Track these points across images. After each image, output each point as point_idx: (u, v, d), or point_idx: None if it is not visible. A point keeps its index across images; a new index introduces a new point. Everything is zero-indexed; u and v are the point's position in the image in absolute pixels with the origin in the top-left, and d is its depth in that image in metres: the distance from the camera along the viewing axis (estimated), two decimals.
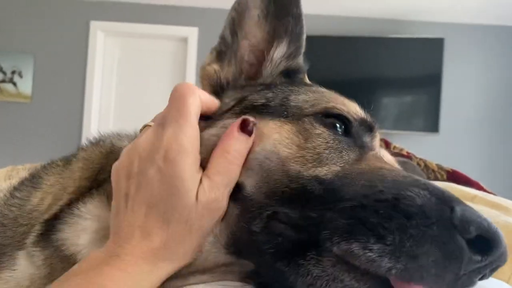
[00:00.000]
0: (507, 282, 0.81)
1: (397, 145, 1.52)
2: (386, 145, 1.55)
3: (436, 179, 1.34)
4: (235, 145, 0.63)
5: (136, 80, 5.99)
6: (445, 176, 1.33)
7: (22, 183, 0.89)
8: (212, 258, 0.62)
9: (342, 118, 0.72)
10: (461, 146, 5.75)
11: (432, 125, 5.55)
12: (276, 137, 0.66)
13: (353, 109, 0.75)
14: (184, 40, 5.81)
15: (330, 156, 0.64)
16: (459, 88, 5.69)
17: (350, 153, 0.67)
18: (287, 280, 0.55)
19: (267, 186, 0.61)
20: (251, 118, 0.65)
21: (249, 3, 0.82)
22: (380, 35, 5.72)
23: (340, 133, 0.70)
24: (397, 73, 5.66)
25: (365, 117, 0.75)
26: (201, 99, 0.69)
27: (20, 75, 5.85)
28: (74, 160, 0.88)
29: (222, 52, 0.83)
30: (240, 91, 0.80)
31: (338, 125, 0.71)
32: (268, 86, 0.80)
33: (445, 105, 5.50)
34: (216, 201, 0.60)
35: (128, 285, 0.55)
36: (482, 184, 1.31)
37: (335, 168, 0.62)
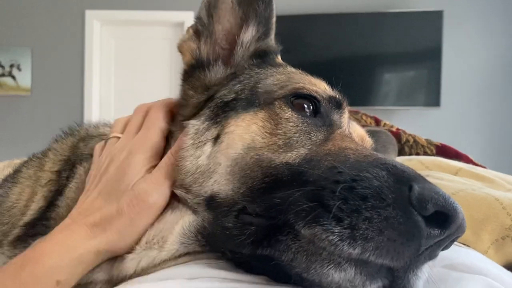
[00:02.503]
0: (485, 253, 0.81)
1: (387, 122, 1.52)
2: (377, 122, 1.55)
3: (426, 153, 1.34)
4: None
5: (135, 67, 5.98)
6: (434, 151, 1.33)
7: (5, 180, 0.91)
8: (182, 248, 0.64)
9: (311, 98, 0.73)
10: (463, 119, 5.71)
11: (433, 99, 5.50)
12: (254, 128, 0.68)
13: (322, 87, 0.76)
14: (181, 25, 5.75)
15: (299, 139, 0.66)
16: (459, 61, 5.63)
17: (318, 134, 0.68)
18: (265, 259, 0.56)
19: (245, 186, 0.62)
20: None
21: None
22: (379, 10, 5.64)
23: (308, 113, 0.72)
24: (397, 48, 5.59)
25: (333, 94, 0.76)
26: (167, 108, 0.80)
27: (19, 69, 5.86)
28: (48, 151, 0.91)
29: (198, 31, 0.85)
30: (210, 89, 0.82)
31: (306, 105, 0.72)
32: (236, 75, 0.81)
33: (446, 79, 5.44)
34: (145, 192, 0.65)
35: (58, 255, 0.60)
36: (471, 157, 1.31)
37: (303, 151, 0.64)
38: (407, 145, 1.37)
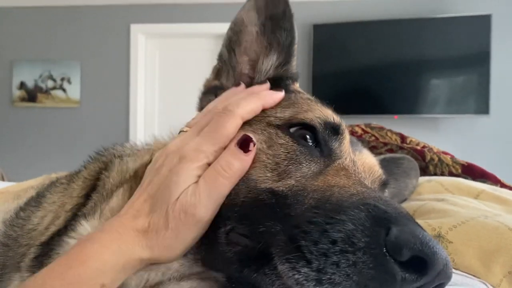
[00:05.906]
0: (498, 286, 0.77)
1: (413, 139, 1.47)
2: (402, 138, 1.50)
3: (451, 173, 1.29)
4: (229, 161, 0.64)
5: (178, 78, 6.12)
6: (459, 170, 1.27)
7: (28, 202, 0.93)
8: (184, 268, 0.65)
9: (308, 127, 0.71)
10: None
11: (482, 107, 5.25)
12: None
13: (317, 114, 0.74)
14: (221, 37, 5.82)
15: (288, 168, 0.65)
16: (509, 66, 5.35)
17: (312, 165, 0.67)
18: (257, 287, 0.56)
19: (229, 196, 0.63)
20: (251, 136, 0.66)
21: (246, 21, 0.87)
22: (425, 16, 5.46)
23: (309, 143, 0.70)
24: (444, 54, 5.36)
25: (328, 120, 0.73)
26: (242, 117, 0.71)
27: (69, 82, 6.16)
28: (76, 178, 0.92)
29: (220, 69, 0.90)
30: None
31: (308, 136, 0.71)
32: None
33: (495, 85, 5.18)
34: (193, 206, 0.61)
35: (105, 258, 0.57)
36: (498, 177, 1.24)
37: (291, 181, 0.63)
38: (431, 163, 1.31)
